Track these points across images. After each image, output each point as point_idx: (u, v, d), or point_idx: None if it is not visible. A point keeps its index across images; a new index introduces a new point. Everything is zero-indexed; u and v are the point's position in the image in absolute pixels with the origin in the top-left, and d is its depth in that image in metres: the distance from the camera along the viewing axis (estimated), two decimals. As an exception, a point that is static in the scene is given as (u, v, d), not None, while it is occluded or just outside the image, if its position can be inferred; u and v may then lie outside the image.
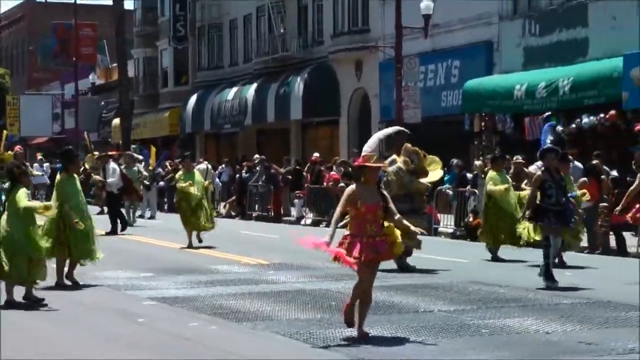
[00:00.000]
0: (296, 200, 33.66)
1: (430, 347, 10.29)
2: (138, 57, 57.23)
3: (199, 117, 49.99)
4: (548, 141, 23.74)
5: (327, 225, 30.36)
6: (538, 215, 15.22)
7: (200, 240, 22.24)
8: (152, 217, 34.03)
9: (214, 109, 48.65)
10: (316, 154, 35.02)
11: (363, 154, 11.01)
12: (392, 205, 10.79)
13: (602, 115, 26.00)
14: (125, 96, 48.76)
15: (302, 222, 32.62)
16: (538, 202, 15.15)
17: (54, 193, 15.47)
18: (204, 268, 18.17)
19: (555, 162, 15.40)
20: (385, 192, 10.98)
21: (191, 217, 22.03)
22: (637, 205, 16.77)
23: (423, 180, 17.87)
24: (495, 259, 19.34)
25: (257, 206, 35.67)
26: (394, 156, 18.14)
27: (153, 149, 38.69)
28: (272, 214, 34.26)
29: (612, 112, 25.61)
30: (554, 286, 14.83)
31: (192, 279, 16.55)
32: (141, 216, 33.64)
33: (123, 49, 48.64)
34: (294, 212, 33.93)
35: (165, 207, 38.16)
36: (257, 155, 37.02)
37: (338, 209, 10.63)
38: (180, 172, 23.20)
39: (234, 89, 47.29)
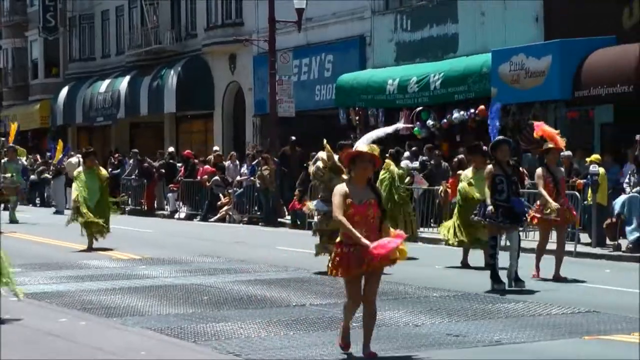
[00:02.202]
0: (170, 194, 33.45)
1: (299, 341, 10.34)
2: (7, 48, 56.01)
3: (71, 110, 49.18)
4: (497, 123, 23.70)
5: (202, 220, 30.46)
6: (485, 213, 14.13)
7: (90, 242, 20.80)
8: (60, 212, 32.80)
9: (86, 102, 47.92)
10: (215, 148, 34.79)
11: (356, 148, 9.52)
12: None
13: (472, 110, 26.48)
14: (-7, 88, 47.71)
15: (176, 216, 32.46)
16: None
17: None
18: (74, 263, 17.92)
19: (508, 155, 14.21)
20: (378, 189, 9.69)
21: (86, 219, 20.65)
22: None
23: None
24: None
25: (130, 200, 35.30)
26: (320, 153, 16.22)
27: (60, 143, 37.96)
28: (146, 207, 33.97)
29: (482, 107, 26.09)
30: (500, 288, 13.90)
31: (62, 274, 16.30)
32: (58, 212, 33.03)
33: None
34: (167, 206, 33.73)
35: (37, 201, 37.60)
36: (171, 148, 36.63)
37: (339, 215, 9.22)
38: (80, 169, 21.49)
39: (107, 82, 46.65)
